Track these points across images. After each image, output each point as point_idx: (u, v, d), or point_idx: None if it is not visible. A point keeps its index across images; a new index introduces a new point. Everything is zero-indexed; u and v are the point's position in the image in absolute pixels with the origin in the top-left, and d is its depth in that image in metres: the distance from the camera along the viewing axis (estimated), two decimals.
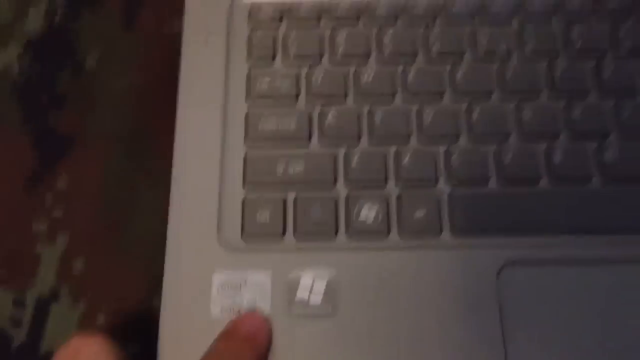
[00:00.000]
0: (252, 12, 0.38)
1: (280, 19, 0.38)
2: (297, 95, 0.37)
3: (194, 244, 0.33)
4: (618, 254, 0.33)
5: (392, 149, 0.35)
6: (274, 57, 0.38)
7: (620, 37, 0.37)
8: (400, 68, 0.37)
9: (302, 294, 0.32)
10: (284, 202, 0.34)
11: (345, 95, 0.37)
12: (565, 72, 0.36)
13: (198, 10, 0.39)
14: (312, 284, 0.32)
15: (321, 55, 0.38)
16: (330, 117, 0.36)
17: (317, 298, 0.32)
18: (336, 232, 0.34)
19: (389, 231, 0.34)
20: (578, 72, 0.36)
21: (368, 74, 0.37)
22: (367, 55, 0.37)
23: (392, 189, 0.34)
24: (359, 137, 0.36)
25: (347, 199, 0.34)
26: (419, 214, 0.34)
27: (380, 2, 0.38)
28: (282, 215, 0.34)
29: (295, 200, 0.34)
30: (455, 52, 0.37)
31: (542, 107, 0.36)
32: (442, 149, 0.35)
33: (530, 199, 0.34)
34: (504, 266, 0.33)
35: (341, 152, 0.35)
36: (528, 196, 0.34)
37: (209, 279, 0.33)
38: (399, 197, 0.34)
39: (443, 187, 0.34)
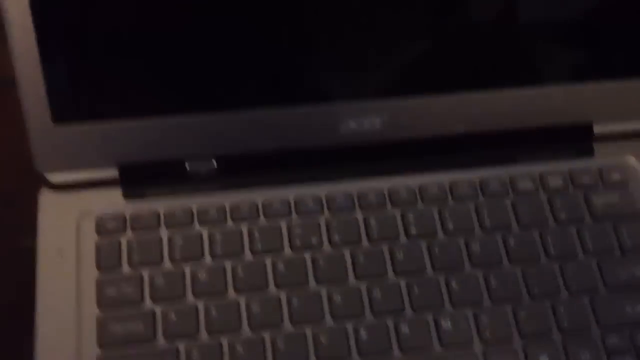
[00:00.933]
0: (99, 223, 0.44)
1: (124, 229, 0.45)
2: (142, 298, 0.43)
3: None
4: None
5: (225, 341, 0.42)
6: (120, 265, 0.44)
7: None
8: (229, 264, 0.44)
9: None
10: None
11: (184, 294, 0.43)
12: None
13: (50, 224, 0.44)
14: None
15: (161, 260, 0.44)
16: (171, 316, 0.42)
17: None
18: None
19: None
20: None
21: (202, 272, 0.44)
22: (201, 257, 0.44)
23: None
24: (198, 332, 0.42)
25: None
26: None
27: (210, 207, 0.45)
28: None
29: None
30: (272, 249, 0.44)
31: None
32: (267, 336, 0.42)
33: None
34: None
35: (182, 347, 0.42)
36: None
37: None
38: None
39: None
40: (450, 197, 0.47)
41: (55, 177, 0.45)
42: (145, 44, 0.43)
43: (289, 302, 0.43)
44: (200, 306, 0.43)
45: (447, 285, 0.44)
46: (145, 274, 0.43)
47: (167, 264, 0.44)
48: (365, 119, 0.46)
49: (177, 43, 0.43)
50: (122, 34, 0.42)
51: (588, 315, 0.44)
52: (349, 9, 0.43)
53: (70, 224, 0.45)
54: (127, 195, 0.46)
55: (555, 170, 0.48)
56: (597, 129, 0.49)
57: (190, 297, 0.43)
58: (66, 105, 0.43)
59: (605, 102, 0.48)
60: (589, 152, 0.49)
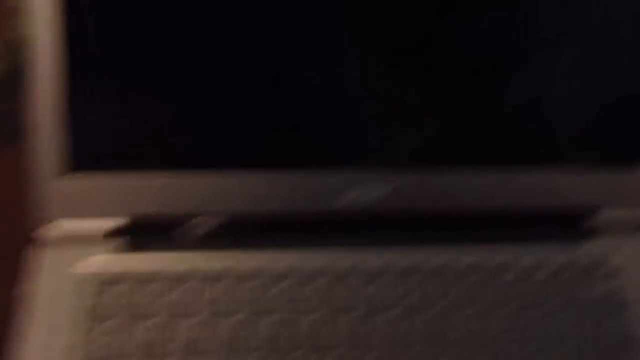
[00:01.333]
0: (96, 274, 0.45)
1: (123, 281, 0.45)
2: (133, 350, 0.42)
3: None
4: None
5: None
6: (116, 315, 0.43)
7: None
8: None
9: None
10: None
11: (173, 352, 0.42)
12: None
13: (40, 276, 0.45)
14: None
15: (156, 313, 0.44)
16: None
17: None
18: None
19: None
20: None
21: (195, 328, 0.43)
22: (196, 313, 0.44)
23: None
24: None
25: None
26: None
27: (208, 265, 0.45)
28: None
29: None
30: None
31: None
32: None
33: None
34: None
35: None
36: None
37: None
38: None
39: None
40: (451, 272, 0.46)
41: (49, 230, 0.45)
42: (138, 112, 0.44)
43: None
44: None
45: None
46: (140, 326, 0.43)
47: (164, 317, 0.44)
48: (368, 190, 0.46)
49: (192, 105, 0.44)
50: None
51: None
52: (361, 84, 0.44)
53: (71, 272, 0.45)
54: (130, 247, 0.46)
55: (556, 253, 0.48)
56: (603, 216, 0.49)
57: (179, 353, 0.42)
58: (81, 156, 0.44)
59: (612, 190, 0.48)
60: (590, 238, 0.49)
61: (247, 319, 0.44)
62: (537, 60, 0.45)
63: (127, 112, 0.44)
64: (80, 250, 0.46)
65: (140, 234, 0.46)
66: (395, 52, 0.44)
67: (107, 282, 0.44)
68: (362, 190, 0.47)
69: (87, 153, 0.43)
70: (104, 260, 0.45)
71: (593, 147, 0.48)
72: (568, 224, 0.49)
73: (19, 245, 0.46)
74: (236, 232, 0.47)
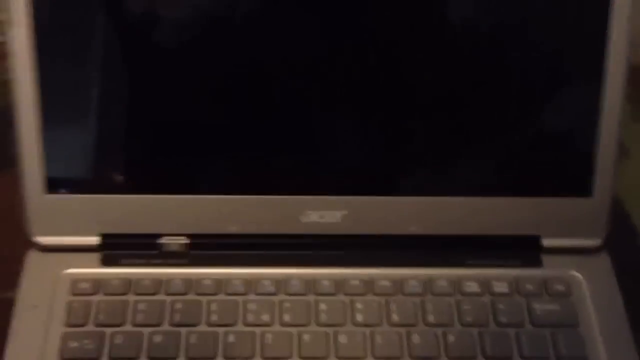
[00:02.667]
0: (73, 283, 0.49)
1: (96, 291, 0.49)
2: (100, 355, 0.47)
3: None
4: None
5: None
6: (86, 322, 0.48)
7: None
8: (184, 332, 0.48)
9: None
10: None
11: (139, 356, 0.47)
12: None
13: (31, 281, 0.49)
14: None
15: (124, 322, 0.48)
16: None
17: None
18: None
19: None
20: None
21: (159, 337, 0.48)
22: (160, 323, 0.48)
23: None
24: None
25: None
26: None
27: (174, 280, 0.50)
28: None
29: None
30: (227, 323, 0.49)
31: None
32: None
33: None
34: None
35: None
36: None
37: None
38: None
39: None
40: (399, 291, 0.50)
41: (42, 240, 0.50)
42: (130, 132, 0.49)
43: None
44: None
45: None
46: (107, 333, 0.47)
47: (129, 326, 0.48)
48: (327, 212, 0.51)
49: (158, 129, 0.49)
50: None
51: None
52: (323, 109, 0.49)
53: (48, 282, 0.50)
54: (104, 261, 0.50)
55: (502, 276, 0.51)
56: (546, 242, 0.52)
57: (144, 358, 0.47)
58: (57, 179, 0.49)
59: (554, 217, 0.52)
60: (536, 262, 0.52)
61: (208, 331, 0.48)
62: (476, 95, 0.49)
63: (96, 143, 0.49)
64: (63, 260, 0.51)
65: (114, 249, 0.50)
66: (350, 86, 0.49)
67: (85, 289, 0.49)
68: (321, 213, 0.51)
69: (61, 176, 0.48)
70: (79, 272, 0.50)
71: (536, 176, 0.52)
72: (514, 250, 0.52)
73: (16, 252, 0.51)
74: (204, 250, 0.51)
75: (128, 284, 0.49)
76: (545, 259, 0.52)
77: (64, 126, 0.48)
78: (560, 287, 0.51)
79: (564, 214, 0.51)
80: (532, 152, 0.51)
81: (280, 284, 0.50)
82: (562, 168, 0.51)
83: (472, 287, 0.51)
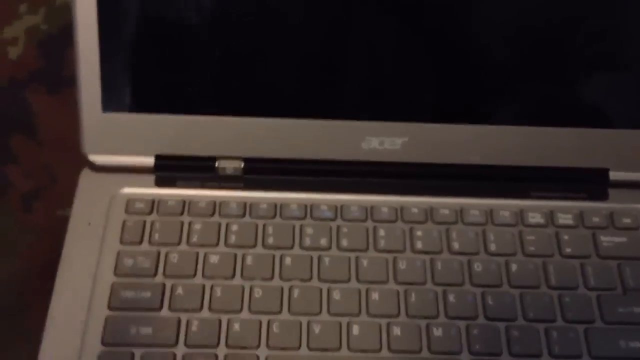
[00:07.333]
0: (129, 202, 0.49)
1: (151, 211, 0.48)
2: (156, 272, 0.46)
3: None
4: None
5: (225, 317, 0.44)
6: (141, 241, 0.47)
7: None
8: (241, 253, 0.47)
9: None
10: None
11: (195, 274, 0.46)
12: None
13: (85, 199, 0.49)
14: None
15: (179, 242, 0.47)
16: (179, 290, 0.45)
17: None
18: None
19: None
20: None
21: (215, 257, 0.47)
22: (216, 244, 0.47)
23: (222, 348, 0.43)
24: (201, 308, 0.45)
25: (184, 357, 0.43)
26: None
27: (231, 201, 0.49)
28: None
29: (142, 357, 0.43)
30: (283, 246, 0.48)
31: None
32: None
33: None
34: None
35: (184, 318, 0.44)
36: None
37: None
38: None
39: None
40: (459, 220, 0.49)
41: (97, 159, 0.49)
42: (191, 49, 0.48)
43: (290, 294, 0.45)
44: (207, 286, 0.45)
45: (444, 298, 0.45)
46: (163, 252, 0.47)
47: (184, 246, 0.47)
48: (387, 139, 0.49)
49: (218, 49, 0.48)
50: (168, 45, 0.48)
51: (581, 345, 0.44)
52: (387, 40, 0.48)
53: (103, 201, 0.49)
54: (159, 182, 0.49)
55: (567, 208, 0.49)
56: (614, 175, 0.50)
57: (199, 277, 0.46)
58: (115, 98, 0.48)
59: (623, 150, 0.50)
60: (603, 196, 0.50)
61: (264, 253, 0.47)
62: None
63: (153, 62, 0.48)
64: (118, 180, 0.50)
65: (170, 170, 0.49)
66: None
67: (140, 208, 0.48)
68: (382, 139, 0.49)
69: (118, 97, 0.48)
70: (134, 192, 0.49)
71: (607, 107, 0.50)
72: (580, 183, 0.51)
73: (70, 171, 0.50)
74: (260, 174, 0.50)
75: (183, 205, 0.48)
76: (612, 192, 0.50)
77: (123, 44, 0.47)
78: (627, 221, 0.49)
79: (634, 148, 0.49)
80: (603, 82, 0.49)
81: (338, 209, 0.49)
82: (634, 100, 0.49)
83: (536, 218, 0.49)
